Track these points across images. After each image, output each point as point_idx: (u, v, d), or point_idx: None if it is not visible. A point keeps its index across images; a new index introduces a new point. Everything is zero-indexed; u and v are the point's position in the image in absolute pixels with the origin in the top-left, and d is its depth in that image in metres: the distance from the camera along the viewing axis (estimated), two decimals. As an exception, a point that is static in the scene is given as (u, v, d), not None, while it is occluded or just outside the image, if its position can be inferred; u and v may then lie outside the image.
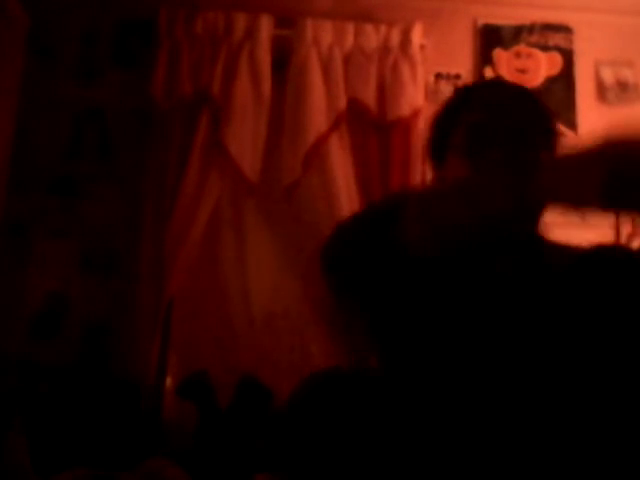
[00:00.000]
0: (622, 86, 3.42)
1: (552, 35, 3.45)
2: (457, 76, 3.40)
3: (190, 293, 3.19)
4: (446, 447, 1.17)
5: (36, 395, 2.85)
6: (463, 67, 3.42)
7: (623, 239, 2.89)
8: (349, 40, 3.30)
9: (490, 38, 3.45)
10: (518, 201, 1.09)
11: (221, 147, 3.16)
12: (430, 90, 3.36)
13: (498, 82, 1.46)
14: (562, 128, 3.33)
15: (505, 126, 1.25)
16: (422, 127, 3.24)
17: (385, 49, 3.29)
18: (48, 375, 2.95)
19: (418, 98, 3.26)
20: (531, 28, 3.46)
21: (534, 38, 3.46)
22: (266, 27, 3.28)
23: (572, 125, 3.36)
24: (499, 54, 3.43)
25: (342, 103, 3.22)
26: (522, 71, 3.43)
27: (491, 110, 1.28)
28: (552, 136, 1.32)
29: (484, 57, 3.43)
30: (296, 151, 3.16)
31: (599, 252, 1.34)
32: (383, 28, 3.31)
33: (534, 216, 1.34)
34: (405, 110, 3.22)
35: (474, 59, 3.44)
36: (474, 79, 3.40)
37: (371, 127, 3.23)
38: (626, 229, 2.90)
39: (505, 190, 1.09)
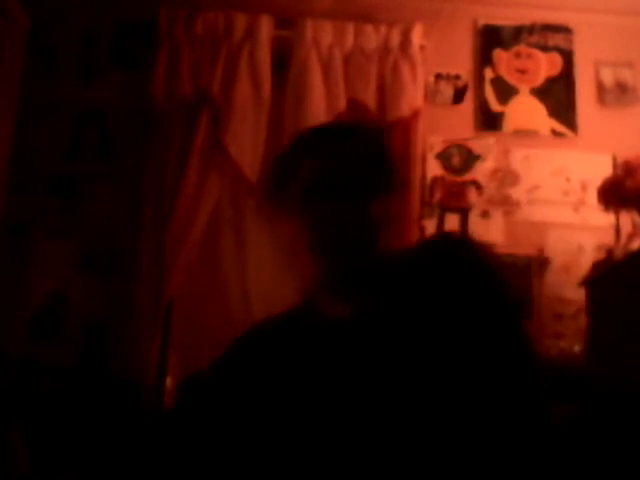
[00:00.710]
0: (622, 87, 3.42)
1: (552, 35, 3.46)
2: (457, 76, 3.40)
3: (190, 293, 3.19)
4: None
5: (36, 395, 2.84)
6: (463, 67, 3.42)
7: (623, 239, 2.89)
8: (349, 40, 3.30)
9: (490, 38, 3.45)
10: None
11: (221, 147, 3.16)
12: (430, 91, 3.36)
13: (343, 129, 1.39)
14: (562, 128, 3.36)
15: (336, 181, 1.24)
16: (422, 128, 3.25)
17: (385, 49, 3.29)
18: (48, 375, 2.95)
19: (418, 99, 3.26)
20: (531, 28, 3.46)
21: (534, 38, 3.46)
22: (266, 27, 3.28)
23: (572, 126, 3.36)
24: (499, 54, 3.44)
25: (342, 103, 3.22)
26: (522, 71, 3.43)
27: (325, 162, 1.26)
28: (389, 186, 1.29)
29: (484, 57, 3.43)
30: (296, 151, 3.16)
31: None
32: (383, 28, 3.31)
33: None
34: (405, 110, 3.22)
35: (474, 59, 3.44)
36: (474, 79, 3.40)
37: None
38: (626, 229, 2.90)
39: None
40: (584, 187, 3.25)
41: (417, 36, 3.31)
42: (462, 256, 1.26)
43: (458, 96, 3.39)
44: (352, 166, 1.26)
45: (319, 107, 3.20)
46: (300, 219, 1.25)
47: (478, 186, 3.26)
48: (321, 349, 1.25)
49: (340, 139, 1.31)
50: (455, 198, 3.25)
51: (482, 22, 3.47)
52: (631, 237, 2.80)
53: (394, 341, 1.18)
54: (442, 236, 1.36)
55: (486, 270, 1.25)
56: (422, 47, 3.32)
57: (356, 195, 1.24)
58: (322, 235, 1.22)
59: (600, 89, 3.42)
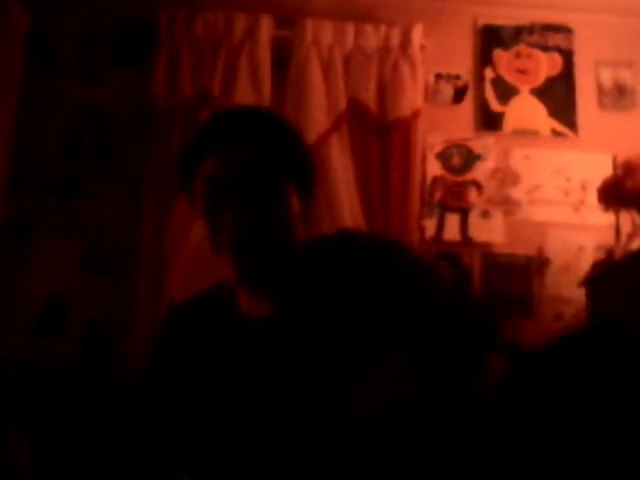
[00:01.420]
0: (622, 87, 3.42)
1: (552, 35, 3.45)
2: (457, 76, 3.40)
3: (190, 293, 3.18)
4: None
5: (36, 395, 2.85)
6: (463, 67, 3.42)
7: (623, 239, 2.89)
8: (349, 40, 3.30)
9: (490, 38, 3.45)
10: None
11: (221, 147, 3.16)
12: (430, 90, 3.37)
13: (239, 123, 1.24)
14: (562, 128, 3.36)
15: (237, 182, 1.18)
16: (422, 128, 3.25)
17: (385, 49, 3.29)
18: (48, 375, 2.95)
19: (418, 98, 3.26)
20: (531, 28, 3.46)
21: (534, 38, 3.46)
22: (266, 27, 3.28)
23: (572, 125, 3.36)
24: (499, 54, 3.44)
25: (342, 103, 3.22)
26: (522, 71, 3.43)
27: (224, 164, 1.19)
28: (300, 181, 1.24)
29: (484, 57, 3.43)
30: (296, 151, 3.16)
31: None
32: (383, 28, 3.31)
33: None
34: (405, 110, 3.22)
35: (474, 59, 3.44)
36: (474, 79, 3.40)
37: (371, 127, 3.24)
38: (626, 229, 2.90)
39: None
40: (584, 187, 3.25)
41: (417, 36, 3.31)
42: (358, 240, 1.27)
43: (458, 96, 3.39)
44: (257, 162, 1.19)
45: (319, 107, 3.21)
46: (205, 220, 1.23)
47: (478, 186, 3.27)
48: (240, 347, 1.25)
49: (243, 131, 1.22)
50: (455, 198, 3.25)
51: (482, 22, 3.47)
52: (631, 237, 2.80)
53: (312, 332, 1.19)
54: (338, 231, 1.33)
55: (377, 245, 1.25)
56: (422, 47, 3.33)
57: (263, 196, 1.18)
58: (225, 238, 1.19)
59: (600, 89, 3.42)
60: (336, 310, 1.19)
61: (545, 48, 3.45)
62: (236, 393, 1.22)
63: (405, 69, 3.27)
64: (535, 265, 3.18)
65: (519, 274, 3.16)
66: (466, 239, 3.20)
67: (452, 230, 3.21)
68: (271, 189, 1.19)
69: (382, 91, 3.27)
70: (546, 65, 3.43)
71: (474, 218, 3.22)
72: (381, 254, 1.22)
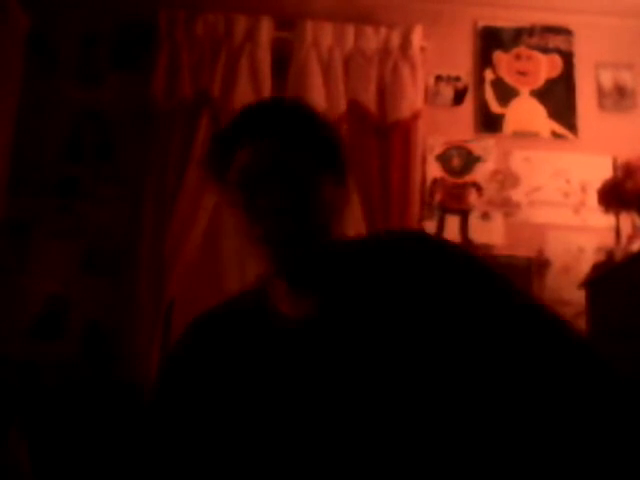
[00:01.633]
0: (622, 89, 3.42)
1: (552, 37, 3.46)
2: (457, 78, 3.40)
3: (190, 294, 3.19)
4: None
5: (36, 396, 2.84)
6: (463, 69, 3.42)
7: (623, 241, 2.89)
8: (349, 42, 3.30)
9: (490, 40, 3.45)
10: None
11: (221, 149, 3.16)
12: (430, 92, 3.37)
13: (281, 107, 1.25)
14: (562, 130, 3.36)
15: (271, 172, 1.16)
16: (422, 129, 3.25)
17: (385, 51, 3.30)
18: (48, 376, 2.95)
19: (418, 100, 3.26)
20: (531, 30, 3.47)
21: (534, 40, 3.46)
22: (266, 29, 3.29)
23: (572, 127, 3.36)
24: (499, 56, 3.44)
25: (342, 105, 3.22)
26: (522, 73, 3.43)
27: (260, 150, 1.17)
28: (335, 170, 1.22)
29: (484, 59, 3.44)
30: (296, 152, 3.16)
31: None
32: (383, 30, 3.31)
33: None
34: (405, 112, 3.22)
35: (474, 61, 3.44)
36: (474, 81, 3.40)
37: (371, 129, 3.23)
38: (626, 231, 2.90)
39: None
40: (584, 189, 3.25)
41: (417, 38, 3.31)
42: (422, 239, 1.22)
43: (458, 98, 3.39)
44: (291, 152, 1.17)
45: (319, 108, 3.18)
46: (241, 210, 1.19)
47: (478, 188, 3.26)
48: (277, 351, 1.19)
49: (275, 121, 1.20)
50: (455, 200, 3.25)
51: (482, 24, 3.47)
52: (631, 239, 2.80)
53: (357, 338, 1.14)
54: (396, 230, 1.29)
55: (439, 244, 1.21)
56: (422, 49, 3.33)
57: (298, 184, 1.16)
58: (264, 228, 1.16)
59: (600, 91, 3.43)
60: (387, 316, 1.14)
61: (545, 50, 3.45)
62: (274, 398, 1.17)
63: (405, 71, 3.27)
64: (535, 267, 3.18)
65: (519, 276, 3.15)
66: (466, 241, 3.19)
67: (452, 232, 3.21)
68: (305, 178, 1.17)
69: (382, 93, 3.27)
70: (546, 67, 3.43)
71: (474, 220, 3.22)
72: (444, 260, 1.17)
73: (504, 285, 1.15)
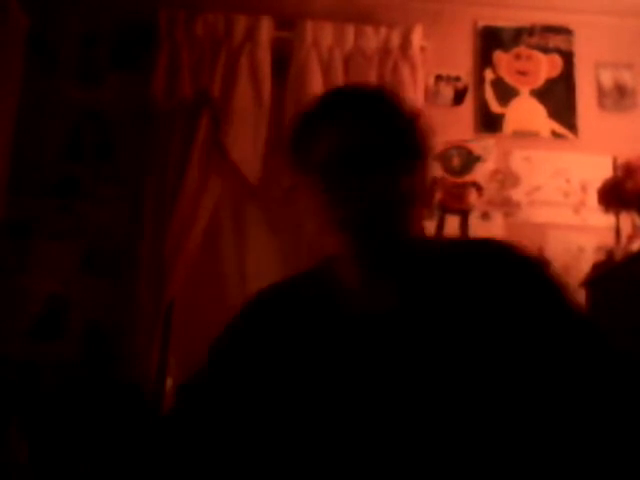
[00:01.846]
0: (622, 88, 3.42)
1: (552, 37, 3.46)
2: (457, 78, 3.40)
3: (190, 294, 3.19)
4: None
5: (36, 396, 2.84)
6: (463, 69, 3.42)
7: (623, 240, 2.89)
8: (349, 42, 3.30)
9: (490, 40, 3.45)
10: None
11: (221, 149, 3.17)
12: (430, 92, 3.36)
13: (362, 93, 1.22)
14: (562, 130, 3.35)
15: (357, 155, 1.14)
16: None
17: (385, 51, 3.29)
18: (48, 375, 2.95)
19: (418, 100, 3.25)
20: (531, 30, 3.47)
21: (534, 40, 3.46)
22: (266, 29, 3.28)
23: (572, 127, 3.36)
24: (499, 56, 3.44)
25: (342, 105, 3.22)
26: (522, 73, 3.43)
27: (346, 133, 1.16)
28: (417, 157, 1.20)
29: (484, 59, 3.43)
30: (296, 153, 3.16)
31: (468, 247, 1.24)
32: (383, 30, 3.31)
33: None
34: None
35: (474, 61, 3.44)
36: (474, 81, 3.40)
37: (371, 129, 3.23)
38: (626, 230, 2.90)
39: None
40: (584, 188, 3.25)
41: (417, 37, 3.31)
42: (507, 252, 1.19)
43: (458, 97, 3.39)
44: (380, 134, 1.16)
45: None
46: (322, 193, 1.15)
47: (478, 187, 3.26)
48: (351, 337, 1.16)
49: (366, 104, 1.19)
50: (455, 200, 3.25)
51: (482, 23, 3.47)
52: (631, 238, 2.80)
53: (437, 333, 1.12)
54: (485, 238, 1.25)
55: (533, 264, 1.19)
56: (422, 48, 3.32)
57: (384, 167, 1.14)
58: (346, 212, 1.13)
59: (600, 90, 3.43)
60: (465, 320, 1.12)
61: (545, 49, 3.45)
62: (348, 384, 1.13)
63: (405, 71, 3.27)
64: (535, 266, 3.17)
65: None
66: (466, 240, 3.19)
67: (452, 232, 3.20)
68: (391, 164, 1.15)
69: (382, 93, 3.27)
70: (546, 66, 3.43)
71: (474, 220, 3.22)
72: (536, 272, 1.17)
73: (571, 305, 1.16)
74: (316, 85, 3.23)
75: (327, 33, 3.30)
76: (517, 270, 1.16)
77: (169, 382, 3.09)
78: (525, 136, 3.36)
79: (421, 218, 1.22)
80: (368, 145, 1.15)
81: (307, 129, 1.21)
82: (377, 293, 1.18)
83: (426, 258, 1.19)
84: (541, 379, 1.10)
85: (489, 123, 3.36)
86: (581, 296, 2.87)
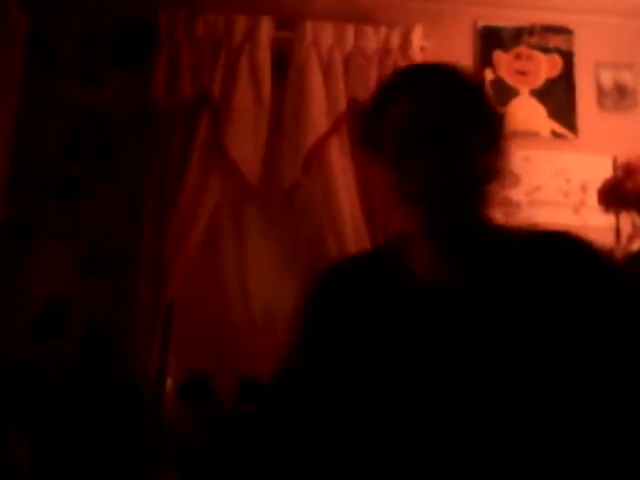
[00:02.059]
0: (622, 88, 3.42)
1: (552, 37, 3.46)
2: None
3: (190, 294, 3.19)
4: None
5: (36, 396, 2.84)
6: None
7: (623, 240, 2.88)
8: (349, 42, 3.30)
9: (490, 40, 3.45)
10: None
11: (221, 149, 3.16)
12: (430, 92, 3.36)
13: (426, 72, 1.20)
14: (562, 130, 3.35)
15: (432, 127, 1.12)
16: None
17: (385, 51, 3.29)
18: (48, 376, 2.95)
19: (418, 100, 3.25)
20: (531, 30, 3.46)
21: (534, 40, 3.46)
22: (266, 29, 3.28)
23: (572, 127, 3.36)
24: (499, 56, 3.44)
25: (342, 105, 3.22)
26: (522, 73, 3.43)
27: (414, 110, 1.14)
28: (492, 134, 1.18)
29: (484, 59, 3.43)
30: (296, 153, 3.17)
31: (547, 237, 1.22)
32: (383, 30, 3.31)
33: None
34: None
35: (474, 61, 3.44)
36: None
37: (371, 129, 3.23)
38: (626, 230, 2.90)
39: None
40: (584, 188, 3.25)
41: (417, 37, 3.31)
42: (582, 247, 1.18)
43: (458, 97, 3.38)
44: (452, 111, 1.13)
45: (319, 108, 3.20)
46: (393, 167, 1.14)
47: (478, 187, 3.26)
48: (419, 314, 1.14)
49: (435, 77, 1.18)
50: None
51: (482, 23, 3.47)
52: (631, 238, 2.80)
53: (506, 317, 1.10)
54: (561, 231, 1.22)
55: (606, 262, 1.18)
56: (422, 48, 3.32)
57: (457, 145, 1.12)
58: (418, 187, 1.11)
59: (600, 91, 3.43)
60: (533, 308, 1.10)
61: (545, 49, 3.45)
62: (413, 366, 1.12)
63: (405, 71, 3.27)
64: (535, 266, 3.17)
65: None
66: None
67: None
68: (465, 139, 1.13)
69: (382, 93, 3.26)
70: (546, 66, 3.43)
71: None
72: (606, 272, 1.15)
73: (634, 303, 1.14)
74: (316, 85, 3.23)
75: (327, 33, 3.30)
76: (588, 267, 1.14)
77: (169, 382, 3.09)
78: (525, 136, 3.35)
79: (490, 197, 1.18)
80: (446, 119, 1.13)
81: (382, 101, 1.19)
82: (445, 273, 1.16)
83: (498, 243, 1.18)
84: (591, 377, 1.09)
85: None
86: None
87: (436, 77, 1.19)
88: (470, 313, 1.13)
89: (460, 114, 1.14)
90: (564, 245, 1.18)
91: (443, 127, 1.12)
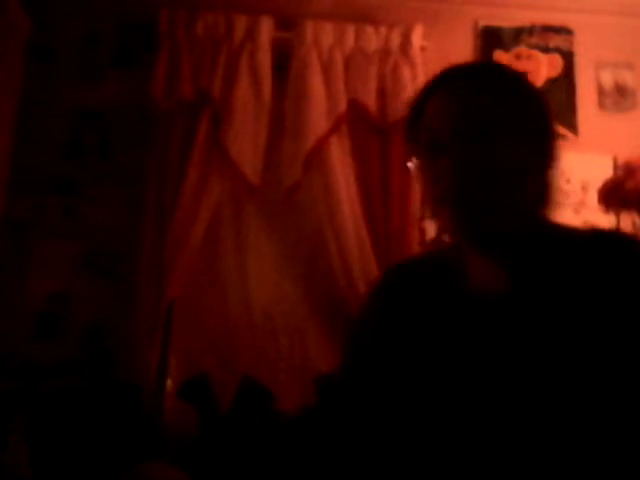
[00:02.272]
0: (622, 88, 3.42)
1: (552, 37, 3.46)
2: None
3: (190, 294, 3.19)
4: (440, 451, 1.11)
5: (36, 396, 2.84)
6: (463, 69, 3.41)
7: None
8: (349, 42, 3.30)
9: (490, 40, 3.45)
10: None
11: (221, 149, 3.16)
12: (430, 92, 3.36)
13: (485, 65, 1.22)
14: (562, 130, 3.35)
15: (460, 120, 1.08)
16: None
17: (385, 51, 3.29)
18: (49, 376, 2.95)
19: (418, 100, 3.25)
20: (531, 30, 3.46)
21: (534, 40, 3.46)
22: (266, 29, 3.28)
23: (572, 127, 3.36)
24: (499, 56, 3.43)
25: (342, 105, 3.22)
26: (522, 73, 3.42)
27: (449, 98, 1.11)
28: (534, 125, 1.13)
29: (484, 59, 3.43)
30: (296, 153, 3.16)
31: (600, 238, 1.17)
32: (383, 30, 3.31)
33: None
34: (405, 112, 3.21)
35: (474, 61, 3.44)
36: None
37: (371, 129, 3.23)
38: (626, 230, 2.89)
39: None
40: (585, 188, 3.25)
41: (417, 37, 3.31)
42: (632, 247, 1.13)
43: (458, 97, 3.38)
44: (479, 101, 1.09)
45: (319, 108, 3.20)
46: (425, 171, 1.12)
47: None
48: (469, 320, 1.12)
49: (470, 72, 1.15)
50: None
51: (482, 23, 3.47)
52: (631, 238, 2.80)
53: (554, 319, 1.07)
54: (612, 230, 1.20)
55: None
56: (422, 48, 3.32)
57: (485, 138, 1.07)
58: (445, 185, 1.07)
59: (600, 90, 3.43)
60: (576, 312, 1.07)
61: (545, 49, 3.45)
62: (464, 370, 1.10)
63: (405, 70, 3.27)
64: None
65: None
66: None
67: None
68: (499, 133, 1.08)
69: (382, 93, 3.26)
70: (546, 66, 3.43)
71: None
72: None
73: None
74: (316, 85, 3.23)
75: (327, 33, 3.30)
76: (634, 267, 1.09)
77: (169, 382, 3.09)
78: (525, 136, 3.35)
79: (532, 197, 1.12)
80: (471, 111, 1.09)
81: (421, 97, 1.17)
82: (492, 275, 1.13)
83: (542, 242, 1.13)
84: (622, 382, 1.06)
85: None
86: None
87: (475, 72, 1.16)
88: (518, 320, 1.10)
89: (495, 106, 1.10)
90: (609, 245, 1.13)
91: (474, 119, 1.08)
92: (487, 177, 1.07)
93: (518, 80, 1.17)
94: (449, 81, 1.15)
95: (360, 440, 1.19)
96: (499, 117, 1.09)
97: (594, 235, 1.17)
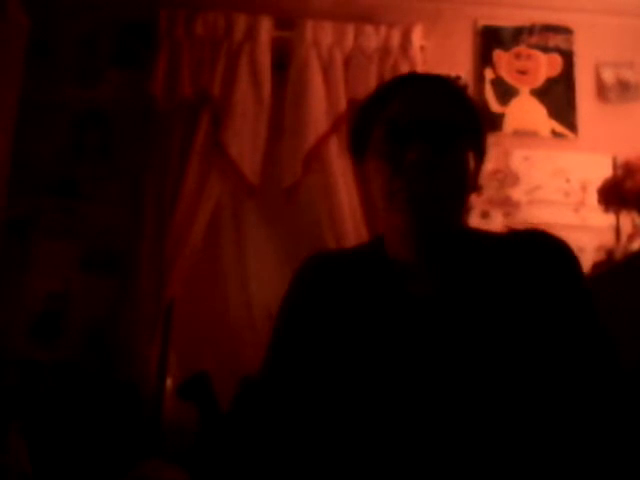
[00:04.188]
0: (622, 88, 3.42)
1: (552, 36, 3.46)
2: (457, 77, 3.39)
3: (190, 294, 3.19)
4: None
5: (36, 395, 2.84)
6: (463, 68, 3.41)
7: (623, 240, 2.88)
8: (349, 41, 3.30)
9: (490, 39, 3.45)
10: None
11: (221, 148, 3.16)
12: (430, 91, 3.36)
13: (422, 76, 1.26)
14: (562, 129, 3.35)
15: (423, 122, 1.13)
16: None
17: (385, 50, 3.29)
18: (48, 375, 2.95)
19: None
20: (531, 29, 3.46)
21: (534, 39, 3.46)
22: (266, 28, 3.28)
23: (572, 126, 3.36)
24: (499, 55, 3.44)
25: (342, 104, 3.22)
26: (522, 72, 3.43)
27: (410, 105, 1.16)
28: (478, 133, 1.20)
29: (484, 58, 3.43)
30: (296, 152, 3.17)
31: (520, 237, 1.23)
32: (383, 29, 3.31)
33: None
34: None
35: (474, 60, 3.44)
36: (474, 80, 3.40)
37: (371, 128, 3.23)
38: (626, 230, 2.90)
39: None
40: (584, 188, 3.25)
41: (417, 37, 3.31)
42: (555, 246, 1.18)
43: (458, 97, 3.38)
44: (439, 105, 1.16)
45: (319, 108, 3.20)
46: (383, 163, 1.16)
47: (478, 187, 3.25)
48: (404, 322, 1.15)
49: (427, 80, 1.21)
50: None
51: (482, 23, 3.47)
52: (631, 238, 2.80)
53: (480, 322, 1.12)
54: (534, 229, 1.22)
55: (575, 261, 1.18)
56: (422, 48, 3.32)
57: (444, 139, 1.13)
58: (406, 178, 1.12)
59: (600, 90, 3.43)
60: (511, 306, 1.12)
61: (545, 49, 3.45)
62: (388, 370, 1.13)
63: (405, 70, 3.26)
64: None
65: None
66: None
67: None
68: (455, 136, 1.14)
69: (382, 92, 3.26)
70: (546, 66, 3.43)
71: (474, 219, 3.22)
72: (573, 266, 1.17)
73: (593, 307, 1.16)
74: (316, 85, 3.23)
75: (327, 33, 3.30)
76: (554, 260, 1.15)
77: (169, 382, 3.09)
78: (525, 135, 3.36)
79: (468, 203, 1.21)
80: (433, 114, 1.15)
81: (378, 100, 1.22)
82: (424, 273, 1.18)
83: (473, 246, 1.20)
84: (551, 377, 1.10)
85: (489, 122, 3.36)
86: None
87: (430, 80, 1.22)
88: (437, 315, 1.14)
89: (452, 110, 1.16)
90: (530, 242, 1.19)
91: (435, 121, 1.14)
92: (448, 181, 1.13)
93: (464, 88, 1.28)
94: (412, 81, 1.22)
95: (272, 444, 1.21)
96: (456, 122, 1.16)
97: (513, 235, 1.23)
